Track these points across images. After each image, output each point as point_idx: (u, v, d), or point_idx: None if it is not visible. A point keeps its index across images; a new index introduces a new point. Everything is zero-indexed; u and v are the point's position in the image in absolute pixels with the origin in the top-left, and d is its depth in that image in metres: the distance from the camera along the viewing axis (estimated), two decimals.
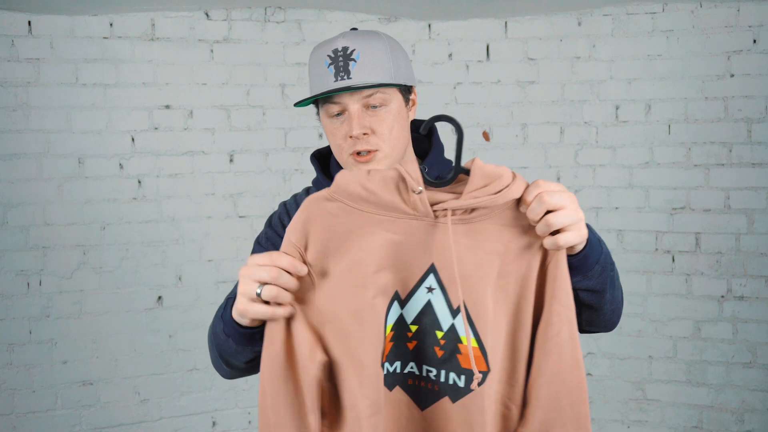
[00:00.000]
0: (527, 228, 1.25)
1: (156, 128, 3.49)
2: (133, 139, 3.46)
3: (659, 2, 3.52)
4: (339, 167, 1.66)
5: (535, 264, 1.26)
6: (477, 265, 1.24)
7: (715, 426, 3.53)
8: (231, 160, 3.62)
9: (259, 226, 3.67)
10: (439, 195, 1.24)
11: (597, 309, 1.43)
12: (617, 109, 3.62)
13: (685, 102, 3.52)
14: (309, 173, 3.72)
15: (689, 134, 3.52)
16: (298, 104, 1.55)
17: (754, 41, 3.40)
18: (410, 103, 1.58)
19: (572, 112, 3.67)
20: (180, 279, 3.56)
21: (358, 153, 1.52)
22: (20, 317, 3.32)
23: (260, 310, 1.27)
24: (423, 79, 3.70)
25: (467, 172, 1.24)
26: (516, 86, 3.70)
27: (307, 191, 1.69)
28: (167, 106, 3.51)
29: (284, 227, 1.62)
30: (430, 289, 1.26)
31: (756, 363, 3.46)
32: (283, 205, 1.68)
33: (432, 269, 1.25)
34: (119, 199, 3.45)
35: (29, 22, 3.29)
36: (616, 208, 3.65)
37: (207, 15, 3.55)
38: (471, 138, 3.73)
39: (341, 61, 1.48)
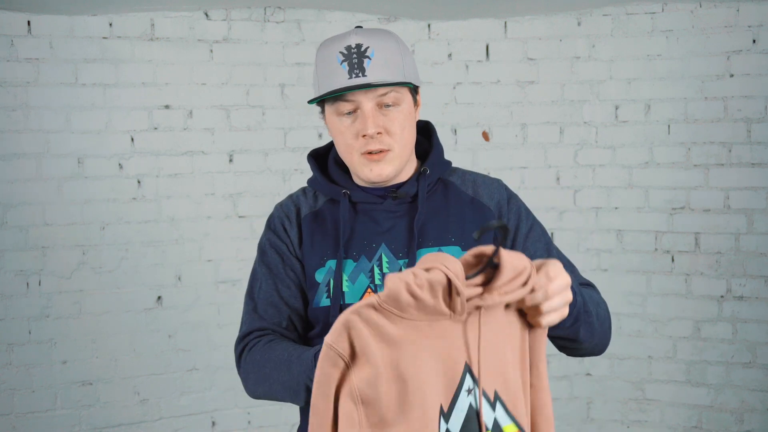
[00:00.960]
0: (514, 303, 1.25)
1: (156, 128, 3.49)
2: (132, 139, 3.46)
3: (659, 2, 3.52)
4: (337, 167, 1.64)
5: (525, 335, 1.28)
6: (500, 350, 1.24)
7: (714, 426, 3.53)
8: (231, 160, 3.62)
9: (259, 226, 3.66)
10: (468, 290, 1.20)
11: (574, 348, 1.49)
12: (617, 109, 3.62)
13: (685, 102, 3.52)
14: (309, 173, 3.71)
15: (689, 134, 3.52)
16: (312, 101, 1.53)
17: (754, 41, 3.40)
18: (416, 103, 1.57)
19: (572, 112, 3.67)
20: (179, 279, 3.56)
21: (370, 152, 1.50)
22: (20, 317, 3.31)
23: None
24: (423, 79, 3.68)
25: (495, 265, 1.21)
26: (516, 86, 3.70)
27: (303, 191, 1.66)
28: (167, 106, 3.51)
29: (285, 231, 1.60)
30: (469, 391, 1.21)
31: (756, 363, 3.46)
32: (280, 207, 1.66)
33: (467, 368, 1.22)
34: (119, 199, 3.45)
35: (29, 22, 3.29)
36: (616, 208, 3.65)
37: (207, 15, 3.54)
38: (471, 138, 3.73)
39: (355, 58, 1.46)
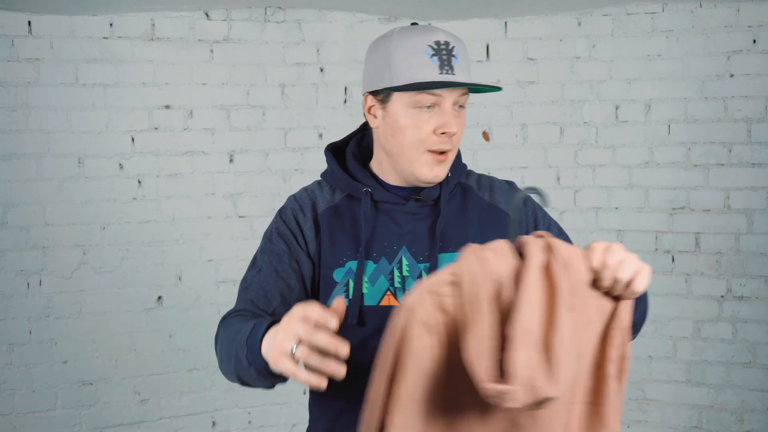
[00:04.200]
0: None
1: (156, 128, 3.49)
2: (133, 139, 3.46)
3: (659, 2, 3.52)
4: (356, 162, 1.59)
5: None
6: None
7: (714, 426, 3.53)
8: (231, 160, 3.62)
9: (259, 226, 3.67)
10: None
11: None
12: (617, 109, 3.62)
13: (685, 102, 3.52)
14: (309, 173, 3.72)
15: (689, 134, 3.52)
16: (394, 89, 1.46)
17: (754, 41, 3.40)
18: None
19: (572, 112, 3.67)
20: (180, 279, 3.56)
21: (441, 151, 1.48)
22: (20, 317, 3.31)
23: (289, 369, 1.18)
24: None
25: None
26: (516, 86, 3.70)
27: (319, 185, 1.62)
28: (167, 106, 3.51)
29: (298, 223, 1.56)
30: None
31: (756, 363, 3.46)
32: (294, 199, 1.61)
33: None
34: (119, 199, 3.45)
35: (29, 22, 3.29)
36: (616, 208, 3.65)
37: (207, 15, 3.55)
38: (471, 138, 3.72)
39: (445, 54, 1.45)
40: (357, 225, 1.52)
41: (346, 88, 3.70)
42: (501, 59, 3.69)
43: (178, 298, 3.56)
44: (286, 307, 1.47)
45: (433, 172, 1.49)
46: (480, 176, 1.65)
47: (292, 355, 1.17)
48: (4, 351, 3.30)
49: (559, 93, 3.68)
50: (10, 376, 3.31)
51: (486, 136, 3.73)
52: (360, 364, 1.44)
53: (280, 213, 1.60)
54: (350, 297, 1.49)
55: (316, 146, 3.68)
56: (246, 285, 1.57)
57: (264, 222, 3.95)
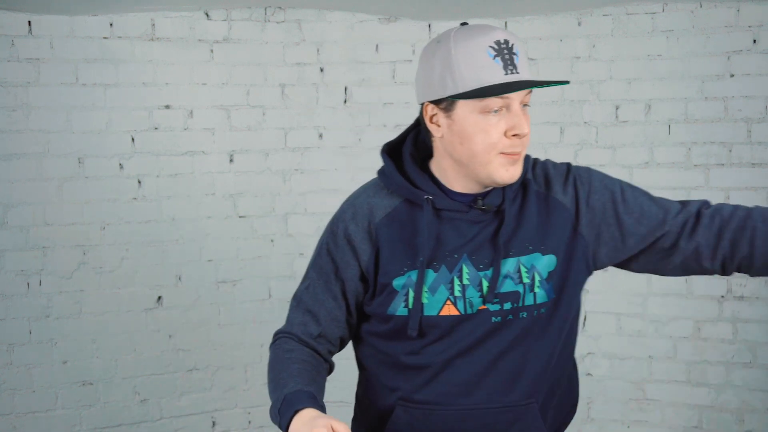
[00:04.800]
0: None
1: (156, 128, 3.49)
2: (133, 139, 3.46)
3: (659, 2, 3.51)
4: (415, 165, 1.53)
5: None
6: None
7: (715, 426, 3.52)
8: (231, 160, 3.62)
9: (259, 226, 3.67)
10: None
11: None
12: (617, 109, 3.62)
13: (685, 102, 3.52)
14: (309, 173, 3.73)
15: (689, 134, 3.52)
16: (460, 97, 1.39)
17: (754, 41, 3.40)
18: None
19: (572, 112, 3.67)
20: (180, 279, 3.56)
21: (513, 152, 1.45)
22: (20, 317, 3.31)
23: None
24: None
25: None
26: None
27: (375, 187, 1.57)
28: (167, 106, 3.51)
29: (349, 237, 1.52)
30: None
31: (756, 363, 3.46)
32: (350, 208, 1.56)
33: None
34: (119, 199, 3.45)
35: (29, 22, 3.29)
36: None
37: (207, 15, 3.55)
38: None
39: (506, 54, 1.39)
40: (418, 233, 1.48)
41: (346, 88, 3.70)
42: None
43: (178, 298, 3.56)
44: (335, 324, 1.55)
45: (509, 173, 1.45)
46: (535, 164, 1.57)
47: None
48: (4, 351, 3.30)
49: (559, 93, 3.68)
50: (10, 376, 3.31)
51: None
52: (416, 365, 1.49)
53: (333, 224, 1.57)
54: (410, 307, 1.47)
55: (316, 146, 3.68)
56: (296, 302, 1.60)
57: (264, 222, 3.98)
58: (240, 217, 3.63)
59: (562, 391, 1.56)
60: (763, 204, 3.40)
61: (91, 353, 3.43)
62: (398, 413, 1.52)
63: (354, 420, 1.65)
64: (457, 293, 1.46)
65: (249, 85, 3.62)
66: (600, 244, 1.53)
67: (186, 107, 3.53)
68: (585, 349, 3.66)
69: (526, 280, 1.46)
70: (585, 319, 3.63)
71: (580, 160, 3.68)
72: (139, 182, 3.48)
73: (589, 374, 3.68)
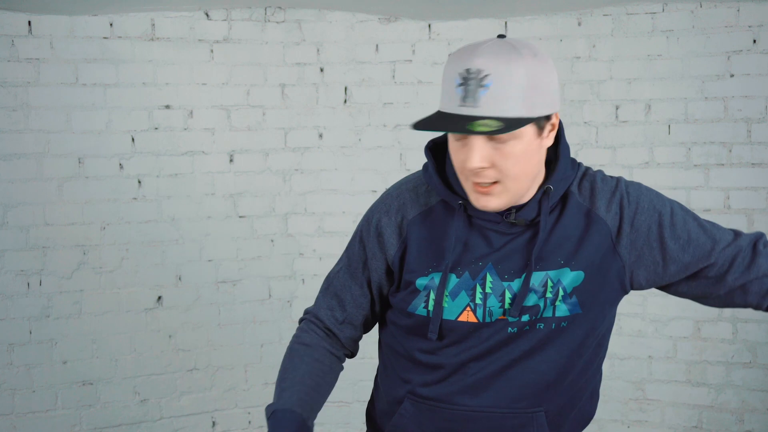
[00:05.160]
0: None
1: (156, 128, 3.49)
2: (133, 139, 3.46)
3: (659, 2, 3.52)
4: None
5: None
6: None
7: (715, 426, 3.53)
8: (231, 160, 3.62)
9: (259, 226, 3.68)
10: None
11: None
12: (617, 109, 3.62)
13: (685, 102, 3.52)
14: (309, 173, 3.73)
15: (689, 134, 3.52)
16: (417, 128, 1.35)
17: (754, 41, 3.40)
18: (547, 129, 1.41)
19: (572, 112, 3.67)
20: (180, 279, 3.56)
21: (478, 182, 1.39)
22: (20, 317, 3.31)
23: None
24: (423, 80, 3.70)
25: None
26: None
27: (416, 182, 1.54)
28: (167, 106, 3.51)
29: (380, 228, 1.52)
30: None
31: (756, 363, 3.46)
32: (386, 197, 1.55)
33: None
34: (119, 199, 3.45)
35: (29, 22, 3.29)
36: None
37: (207, 15, 3.55)
38: None
39: (471, 85, 1.32)
40: (446, 236, 1.47)
41: (346, 88, 3.71)
42: None
43: (178, 298, 3.56)
44: (360, 311, 1.58)
45: (479, 202, 1.41)
46: (584, 176, 1.52)
47: None
48: (4, 351, 3.30)
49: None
50: (10, 376, 3.31)
51: None
52: (430, 364, 1.50)
53: (370, 212, 1.57)
54: (429, 309, 1.47)
55: (316, 146, 3.68)
56: (327, 284, 1.63)
57: (264, 222, 3.98)
58: (240, 217, 3.63)
59: (583, 403, 1.56)
60: (762, 203, 3.40)
61: (91, 353, 3.43)
62: (406, 405, 1.53)
63: (370, 402, 1.68)
64: (478, 301, 1.45)
65: (249, 85, 3.62)
66: (640, 266, 1.49)
67: (186, 107, 3.53)
68: None
69: (549, 295, 1.44)
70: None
71: (580, 160, 3.68)
72: (139, 182, 3.48)
73: None
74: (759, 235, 1.52)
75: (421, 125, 1.34)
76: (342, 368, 1.64)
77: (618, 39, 3.59)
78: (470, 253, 1.46)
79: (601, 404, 3.94)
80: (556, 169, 1.45)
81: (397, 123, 3.69)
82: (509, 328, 1.45)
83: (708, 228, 1.50)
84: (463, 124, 1.31)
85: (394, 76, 3.71)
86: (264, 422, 3.65)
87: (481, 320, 1.45)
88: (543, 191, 1.44)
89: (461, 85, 1.33)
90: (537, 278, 1.43)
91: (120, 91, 3.43)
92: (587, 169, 1.54)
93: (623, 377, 3.65)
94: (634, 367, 3.63)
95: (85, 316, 3.41)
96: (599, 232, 1.45)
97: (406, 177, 1.59)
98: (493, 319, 1.45)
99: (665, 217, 1.48)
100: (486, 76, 1.32)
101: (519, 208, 1.44)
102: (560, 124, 1.48)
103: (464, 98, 1.32)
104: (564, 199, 1.47)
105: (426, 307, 1.48)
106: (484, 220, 1.46)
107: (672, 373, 3.59)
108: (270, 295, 3.71)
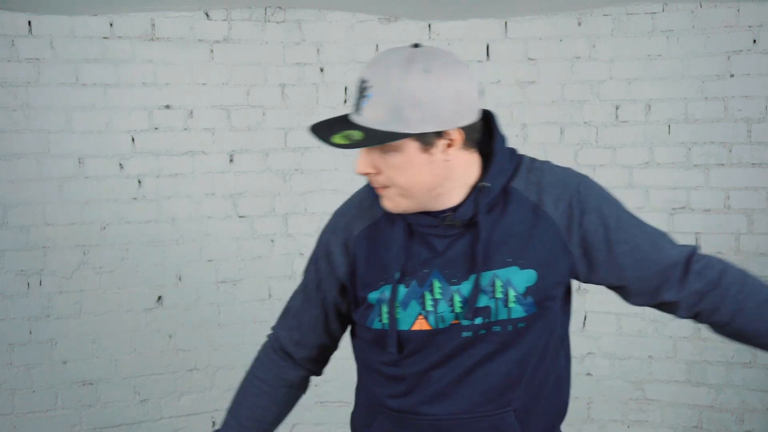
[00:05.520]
0: None
1: (156, 128, 3.49)
2: (133, 139, 3.46)
3: (659, 2, 3.52)
4: None
5: None
6: None
7: (715, 426, 3.53)
8: (231, 160, 3.62)
9: (259, 226, 3.68)
10: None
11: None
12: (617, 109, 3.62)
13: (685, 102, 3.52)
14: (309, 173, 3.73)
15: (689, 134, 3.52)
16: (314, 132, 1.40)
17: (754, 41, 3.40)
18: (439, 147, 1.36)
19: (572, 112, 3.67)
20: (180, 279, 3.56)
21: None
22: (20, 317, 3.31)
23: None
24: None
25: None
26: (516, 86, 3.70)
27: (362, 197, 1.56)
28: (167, 106, 3.51)
29: (329, 248, 1.55)
30: None
31: (756, 363, 3.46)
32: (334, 216, 1.59)
33: None
34: (119, 199, 3.45)
35: (29, 22, 3.29)
36: None
37: (207, 15, 3.55)
38: None
39: (358, 93, 1.36)
40: (391, 249, 1.47)
41: (346, 88, 3.70)
42: (501, 59, 3.69)
43: (178, 298, 3.56)
44: (314, 333, 1.63)
45: (382, 203, 1.44)
46: (532, 169, 1.48)
47: None
48: (4, 351, 3.30)
49: (559, 93, 3.68)
50: (10, 376, 3.31)
51: None
52: (394, 376, 1.51)
53: (321, 233, 1.60)
54: (384, 322, 1.47)
55: (316, 146, 3.68)
56: (289, 304, 1.68)
57: (264, 222, 3.98)
58: (240, 217, 3.63)
59: (548, 393, 1.54)
60: (762, 203, 3.40)
61: (91, 353, 3.43)
62: (380, 419, 1.55)
63: (353, 411, 1.69)
64: (429, 308, 1.44)
65: (249, 85, 3.62)
66: (589, 264, 1.47)
67: (186, 107, 3.53)
68: (585, 349, 3.66)
69: (499, 295, 1.42)
70: (585, 319, 3.63)
71: (580, 160, 3.68)
72: (139, 182, 3.48)
73: (589, 374, 3.68)
74: (692, 250, 1.53)
75: (313, 126, 1.37)
76: (301, 390, 1.70)
77: (618, 39, 3.59)
78: (415, 261, 1.45)
79: (601, 404, 3.94)
80: (491, 166, 1.42)
81: None
82: (464, 333, 1.44)
83: (651, 235, 1.50)
84: (333, 133, 1.34)
85: None
86: None
87: (434, 327, 1.44)
88: (478, 189, 1.42)
89: (355, 92, 1.37)
90: (485, 278, 1.41)
91: (120, 91, 3.43)
92: (532, 161, 1.50)
93: (623, 377, 3.65)
94: (634, 367, 3.63)
95: (85, 316, 3.41)
96: (548, 229, 1.43)
97: (350, 197, 1.59)
98: (446, 325, 1.44)
99: (611, 219, 1.47)
100: (369, 87, 1.33)
101: (455, 209, 1.43)
102: (493, 117, 1.46)
103: (355, 105, 1.36)
104: (507, 195, 1.44)
105: (381, 320, 1.48)
106: (424, 226, 1.45)
107: (672, 373, 3.59)
108: (270, 295, 3.71)
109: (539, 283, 1.43)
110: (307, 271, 1.62)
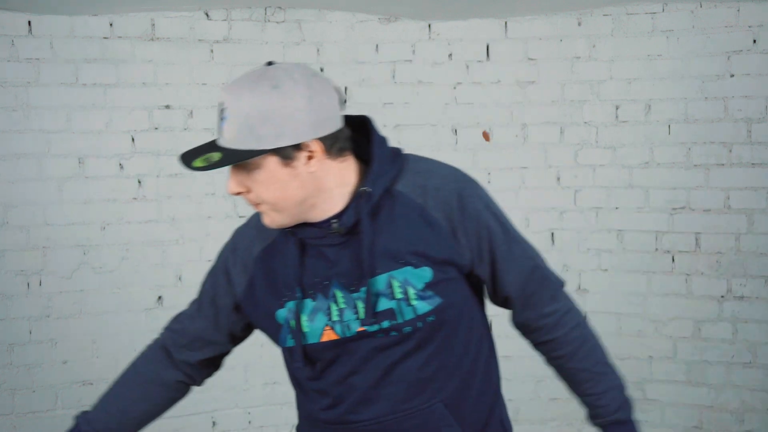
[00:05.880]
0: None
1: (156, 128, 3.49)
2: (133, 139, 3.46)
3: (659, 2, 3.52)
4: None
5: None
6: None
7: (715, 426, 3.53)
8: None
9: None
10: None
11: None
12: (617, 109, 3.62)
13: (685, 102, 3.52)
14: None
15: (689, 134, 3.52)
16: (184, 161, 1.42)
17: (754, 41, 3.40)
18: (303, 157, 1.38)
19: (572, 112, 3.67)
20: (180, 279, 3.56)
21: None
22: (20, 317, 3.32)
23: None
24: (423, 80, 3.70)
25: None
26: (516, 86, 3.70)
27: (258, 220, 1.57)
28: (167, 106, 3.51)
29: (227, 267, 1.64)
30: None
31: (756, 363, 3.46)
32: (234, 235, 1.66)
33: None
34: (119, 199, 3.45)
35: (29, 22, 3.29)
36: (616, 208, 3.65)
37: (207, 15, 3.55)
38: (471, 138, 3.73)
39: (218, 117, 1.40)
40: (287, 265, 1.49)
41: (346, 88, 3.70)
42: (501, 59, 3.69)
43: (178, 298, 3.54)
44: (200, 343, 1.67)
45: (262, 219, 1.47)
46: (416, 172, 1.48)
47: None
48: (4, 351, 3.30)
49: (559, 93, 3.68)
50: (10, 376, 3.31)
51: (486, 136, 3.73)
52: (317, 389, 1.52)
53: (220, 251, 1.66)
54: (294, 339, 1.49)
55: None
56: (182, 311, 1.73)
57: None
58: (240, 217, 3.63)
59: (479, 380, 1.53)
60: (762, 203, 3.40)
61: (91, 353, 3.43)
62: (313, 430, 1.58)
63: (297, 425, 1.69)
64: (335, 318, 1.45)
65: None
66: (477, 261, 1.48)
67: (186, 107, 3.53)
68: None
69: (399, 296, 1.42)
70: (585, 318, 3.63)
71: (580, 160, 3.68)
72: (139, 182, 3.48)
73: None
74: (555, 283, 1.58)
75: (183, 154, 1.40)
76: (176, 393, 1.83)
77: (618, 39, 3.60)
78: (313, 274, 1.47)
79: None
80: (370, 171, 1.43)
81: (397, 123, 3.69)
82: (373, 338, 1.44)
83: (522, 245, 1.53)
84: (195, 158, 1.38)
85: (394, 76, 3.72)
86: (264, 422, 3.66)
87: (341, 335, 1.45)
88: (359, 195, 1.43)
89: (216, 117, 1.43)
90: (381, 282, 1.42)
91: (120, 91, 3.43)
92: (418, 161, 1.50)
93: (623, 377, 3.65)
94: (634, 367, 3.63)
95: (85, 316, 3.41)
96: (435, 229, 1.44)
97: (251, 215, 1.61)
98: (353, 332, 1.44)
99: (495, 226, 1.48)
100: (224, 109, 1.37)
101: (340, 216, 1.44)
102: (369, 121, 1.48)
103: (216, 130, 1.42)
104: (393, 197, 1.45)
105: (294, 337, 1.48)
106: (314, 238, 1.46)
107: (672, 373, 3.59)
108: None
109: (437, 277, 1.43)
110: (204, 284, 1.67)
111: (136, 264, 3.48)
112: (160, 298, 3.53)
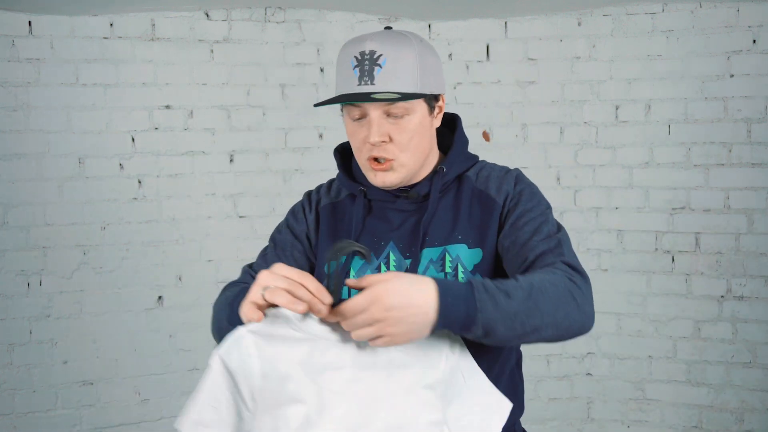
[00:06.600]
0: None
1: (156, 128, 3.49)
2: (133, 139, 3.46)
3: (659, 2, 3.52)
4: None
5: None
6: None
7: (715, 426, 3.53)
8: (231, 160, 3.62)
9: (260, 226, 3.68)
10: None
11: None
12: (617, 109, 3.63)
13: (685, 102, 3.52)
14: (309, 173, 3.73)
15: (689, 134, 3.52)
16: (319, 104, 1.51)
17: (754, 41, 3.40)
18: (436, 110, 1.55)
19: (572, 112, 3.67)
20: (180, 279, 3.56)
21: (376, 159, 1.51)
22: (20, 317, 3.32)
23: (247, 314, 1.29)
24: None
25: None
26: (516, 86, 3.70)
27: (330, 184, 1.70)
28: (167, 106, 3.51)
29: (305, 215, 1.66)
30: None
31: (756, 363, 3.46)
32: (306, 195, 1.70)
33: None
34: (119, 199, 3.45)
35: (29, 22, 3.29)
36: (616, 208, 3.65)
37: (207, 15, 3.55)
38: (471, 138, 3.72)
39: (367, 65, 1.45)
40: (351, 223, 1.59)
41: None
42: (501, 59, 3.70)
43: (178, 298, 3.56)
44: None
45: (377, 178, 1.52)
46: (484, 166, 1.64)
47: (260, 304, 1.28)
48: (4, 351, 3.30)
49: (559, 93, 3.68)
50: (10, 376, 3.31)
51: (486, 136, 3.73)
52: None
53: (293, 208, 1.70)
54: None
55: (316, 146, 3.68)
56: (249, 266, 1.75)
57: (264, 222, 3.98)
58: (240, 217, 3.63)
59: (503, 386, 1.54)
60: (762, 203, 3.40)
61: (91, 353, 3.43)
62: None
63: None
64: None
65: (249, 85, 3.62)
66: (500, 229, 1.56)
67: (186, 107, 3.53)
68: (585, 349, 3.66)
69: (448, 269, 1.50)
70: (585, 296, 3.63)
71: (580, 160, 3.68)
72: (139, 182, 3.48)
73: (589, 374, 3.69)
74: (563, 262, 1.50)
75: (323, 102, 1.48)
76: None
77: (618, 39, 3.60)
78: (372, 234, 1.56)
79: (601, 404, 3.94)
80: (450, 154, 1.59)
81: None
82: None
83: (552, 225, 1.53)
84: (364, 96, 1.44)
85: None
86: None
87: None
88: (436, 171, 1.57)
89: (357, 66, 1.46)
90: (435, 253, 1.51)
91: (120, 91, 3.43)
92: (485, 164, 1.66)
93: (623, 377, 3.66)
94: (634, 367, 3.64)
95: (85, 316, 3.41)
96: (492, 212, 1.54)
97: (318, 185, 1.73)
98: None
99: (528, 201, 1.54)
100: (380, 56, 1.45)
101: (413, 187, 1.57)
102: (458, 118, 1.66)
103: (360, 78, 1.45)
104: (461, 182, 1.59)
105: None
106: (382, 201, 1.58)
107: (672, 373, 3.59)
108: None
109: (485, 261, 1.51)
110: (277, 237, 1.68)
111: (136, 264, 3.48)
112: (160, 298, 3.53)
